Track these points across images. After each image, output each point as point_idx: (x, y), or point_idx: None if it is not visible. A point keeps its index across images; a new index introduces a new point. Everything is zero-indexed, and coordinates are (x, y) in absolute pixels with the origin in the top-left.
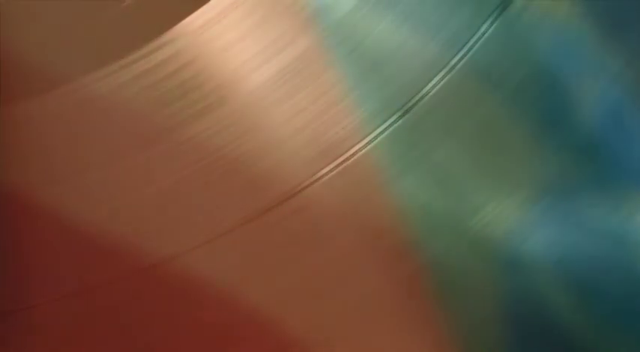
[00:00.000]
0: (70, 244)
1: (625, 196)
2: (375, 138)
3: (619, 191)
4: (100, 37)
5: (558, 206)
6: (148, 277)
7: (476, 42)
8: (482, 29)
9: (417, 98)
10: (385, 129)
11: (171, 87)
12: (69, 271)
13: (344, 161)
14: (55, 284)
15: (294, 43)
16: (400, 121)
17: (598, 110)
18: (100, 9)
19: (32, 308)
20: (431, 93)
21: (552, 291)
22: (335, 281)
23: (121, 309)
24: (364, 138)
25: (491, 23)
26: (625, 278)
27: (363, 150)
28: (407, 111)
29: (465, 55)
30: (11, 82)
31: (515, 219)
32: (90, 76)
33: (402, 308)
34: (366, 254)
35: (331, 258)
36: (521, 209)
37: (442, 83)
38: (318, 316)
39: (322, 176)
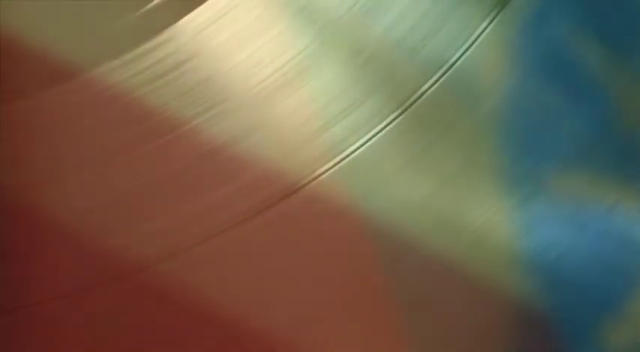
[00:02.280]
0: (67, 243)
1: (625, 195)
2: (374, 135)
3: (619, 190)
4: (97, 36)
5: (557, 205)
6: (144, 277)
7: (474, 40)
8: (481, 27)
9: (415, 96)
10: (384, 127)
11: (169, 85)
12: (66, 270)
13: (343, 159)
14: (53, 283)
15: (293, 41)
16: (399, 119)
17: (597, 107)
18: (97, 8)
19: (31, 307)
20: (430, 91)
21: (550, 291)
22: (333, 280)
23: (118, 310)
24: (363, 136)
25: (490, 21)
26: (625, 278)
27: (362, 148)
28: (406, 109)
29: (463, 53)
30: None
31: (514, 218)
32: (87, 75)
33: (402, 305)
34: (365, 251)
35: (330, 256)
36: (520, 207)
37: (441, 81)
38: (315, 316)
39: (321, 174)
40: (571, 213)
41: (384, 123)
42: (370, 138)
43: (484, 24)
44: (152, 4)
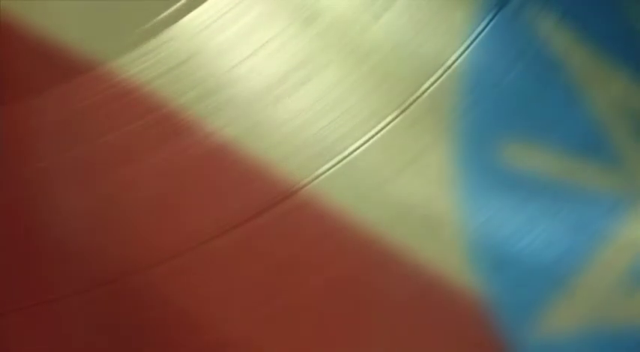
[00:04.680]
0: (62, 247)
1: (626, 195)
2: (373, 136)
3: (620, 189)
4: (96, 37)
5: (556, 204)
6: (138, 282)
7: (473, 40)
8: (480, 28)
9: (414, 96)
10: (383, 127)
11: (169, 85)
12: (57, 275)
13: (342, 159)
14: (46, 287)
15: (293, 41)
16: (398, 120)
17: (595, 107)
18: (97, 8)
19: (22, 310)
20: (428, 92)
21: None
22: (332, 283)
23: (107, 314)
24: (362, 136)
25: (489, 22)
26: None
27: (361, 149)
28: (405, 110)
29: (462, 53)
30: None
31: (513, 218)
32: (91, 72)
33: (399, 309)
34: (363, 254)
35: (329, 258)
36: (520, 208)
37: (439, 81)
38: (316, 317)
39: (321, 174)
40: (572, 214)
41: (384, 123)
42: (368, 140)
43: (482, 25)
44: (153, 3)
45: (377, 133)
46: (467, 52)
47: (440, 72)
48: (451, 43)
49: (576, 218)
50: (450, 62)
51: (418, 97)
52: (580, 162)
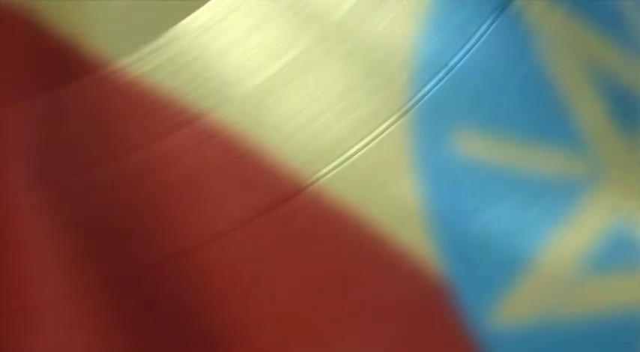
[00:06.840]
0: (74, 242)
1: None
2: (375, 138)
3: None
4: (96, 39)
5: (558, 206)
6: (145, 280)
7: (475, 42)
8: (482, 29)
9: (416, 98)
10: (385, 129)
11: (170, 88)
12: (69, 272)
13: (344, 161)
14: (58, 283)
15: (294, 42)
16: (400, 122)
17: (596, 109)
18: (97, 9)
19: (38, 307)
20: (430, 94)
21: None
22: (334, 283)
23: (119, 310)
24: (364, 138)
25: (491, 23)
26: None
27: (363, 151)
28: (406, 112)
29: (464, 55)
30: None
31: (515, 219)
32: (98, 72)
33: (402, 310)
34: (366, 255)
35: (331, 259)
36: (521, 209)
37: (441, 83)
38: (317, 318)
39: (322, 176)
40: (573, 214)
41: (385, 125)
42: (371, 141)
43: (484, 26)
44: (154, 4)
45: (379, 135)
46: (469, 54)
47: (442, 74)
48: (453, 45)
49: (535, 201)
50: (452, 63)
51: (421, 99)
52: (544, 148)
